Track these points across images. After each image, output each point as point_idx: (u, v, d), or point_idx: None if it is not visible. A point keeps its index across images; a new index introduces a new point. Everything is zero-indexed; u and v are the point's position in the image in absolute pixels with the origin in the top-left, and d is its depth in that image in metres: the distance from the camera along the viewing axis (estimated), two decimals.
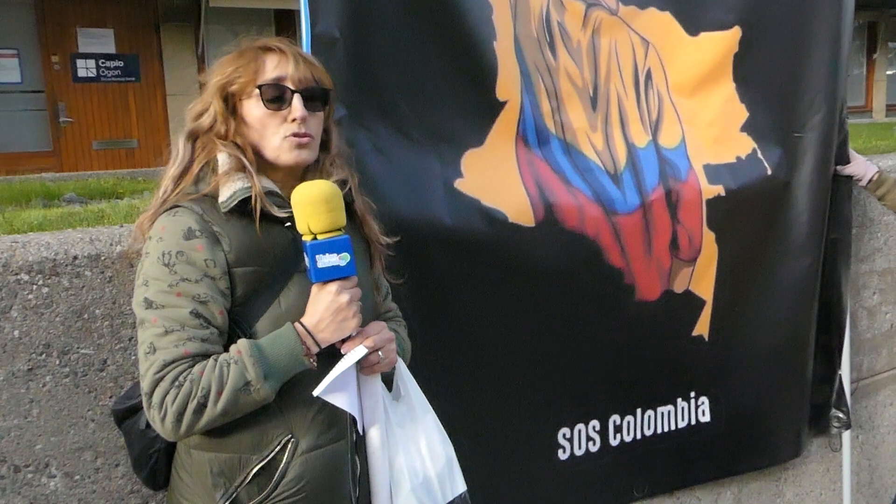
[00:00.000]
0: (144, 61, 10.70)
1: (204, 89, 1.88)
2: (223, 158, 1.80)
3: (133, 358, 2.15)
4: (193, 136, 1.86)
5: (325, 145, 1.94)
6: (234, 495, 1.77)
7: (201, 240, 1.71)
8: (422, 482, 1.96)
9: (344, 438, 1.87)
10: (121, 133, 10.66)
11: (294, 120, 1.81)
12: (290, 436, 1.79)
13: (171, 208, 1.76)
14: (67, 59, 10.30)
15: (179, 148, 1.86)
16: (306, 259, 1.74)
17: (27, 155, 10.10)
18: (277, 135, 1.82)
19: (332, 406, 1.77)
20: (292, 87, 1.82)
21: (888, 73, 18.28)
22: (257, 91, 1.81)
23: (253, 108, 1.83)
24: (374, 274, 2.04)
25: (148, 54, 10.71)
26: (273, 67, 1.83)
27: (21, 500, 2.06)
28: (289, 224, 1.78)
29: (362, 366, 1.84)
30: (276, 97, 1.82)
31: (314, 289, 1.76)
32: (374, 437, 1.92)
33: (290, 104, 1.82)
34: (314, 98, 1.85)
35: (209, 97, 1.85)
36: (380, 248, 2.01)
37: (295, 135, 1.81)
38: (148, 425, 1.84)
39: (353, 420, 1.87)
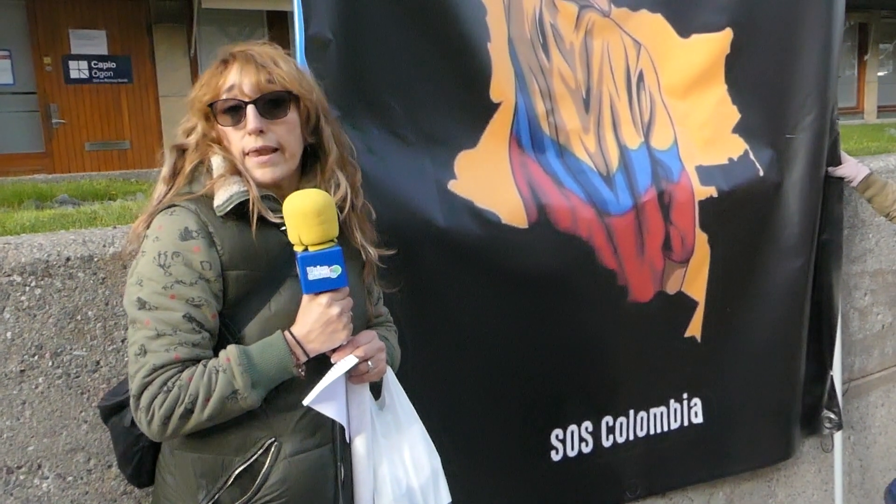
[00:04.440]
0: (137, 63, 10.69)
1: (187, 105, 1.85)
2: (217, 161, 1.78)
3: (126, 359, 2.14)
4: (180, 149, 1.83)
5: (320, 148, 1.89)
6: (216, 497, 1.77)
7: (198, 241, 1.69)
8: (405, 493, 1.95)
9: (328, 444, 1.86)
10: (113, 134, 10.64)
11: (250, 133, 1.75)
12: (273, 439, 1.78)
13: (168, 207, 1.74)
14: (59, 60, 10.29)
15: (167, 155, 1.83)
16: (298, 270, 1.73)
17: (19, 156, 10.09)
18: (240, 151, 1.77)
19: (317, 411, 1.77)
20: (244, 98, 1.75)
21: (879, 74, 18.36)
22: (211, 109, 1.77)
23: (220, 124, 1.79)
24: (366, 280, 2.02)
25: (140, 56, 10.70)
26: (226, 79, 1.77)
27: (13, 502, 2.06)
28: (284, 228, 1.76)
29: (351, 375, 1.83)
30: (230, 111, 1.76)
31: (305, 299, 1.75)
32: (359, 445, 1.91)
33: (245, 116, 1.75)
34: (274, 103, 1.77)
35: (193, 116, 1.82)
36: (371, 258, 1.97)
37: (254, 151, 1.75)
38: (133, 423, 1.83)
39: (339, 425, 1.86)
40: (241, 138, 1.77)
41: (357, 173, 1.96)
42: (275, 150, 1.78)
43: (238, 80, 1.76)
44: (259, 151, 1.76)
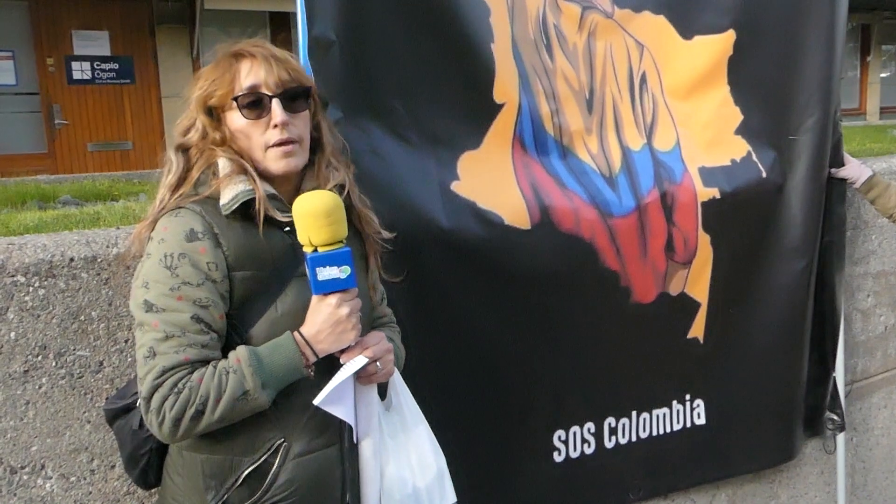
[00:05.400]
0: (139, 63, 10.68)
1: (187, 103, 1.86)
2: (223, 163, 1.79)
3: (129, 360, 2.15)
4: (184, 149, 1.84)
5: (318, 143, 1.92)
6: (225, 497, 1.77)
7: (204, 242, 1.70)
8: (410, 493, 1.96)
9: (336, 444, 1.87)
10: (115, 135, 10.64)
11: (276, 126, 1.78)
12: (282, 439, 1.79)
13: (173, 209, 1.75)
14: (62, 61, 10.28)
15: (172, 159, 1.84)
16: (307, 271, 1.73)
17: (22, 157, 10.08)
18: (262, 144, 1.79)
19: (325, 411, 1.77)
20: (269, 93, 1.79)
21: (882, 75, 18.33)
22: (235, 102, 1.79)
23: (236, 119, 1.81)
24: (371, 279, 2.03)
25: (143, 56, 10.69)
26: (247, 74, 1.80)
27: (17, 502, 2.06)
28: (288, 229, 1.78)
29: (359, 376, 1.84)
30: (254, 106, 1.79)
31: (314, 299, 1.75)
32: (366, 446, 1.91)
33: (269, 110, 1.79)
34: (294, 98, 1.82)
35: (193, 112, 1.84)
36: (376, 245, 2.00)
37: (279, 143, 1.78)
38: (141, 425, 1.84)
39: (346, 425, 1.86)
40: (262, 132, 1.79)
41: (351, 166, 1.99)
42: (296, 141, 1.81)
43: (262, 76, 1.79)
44: (283, 142, 1.79)
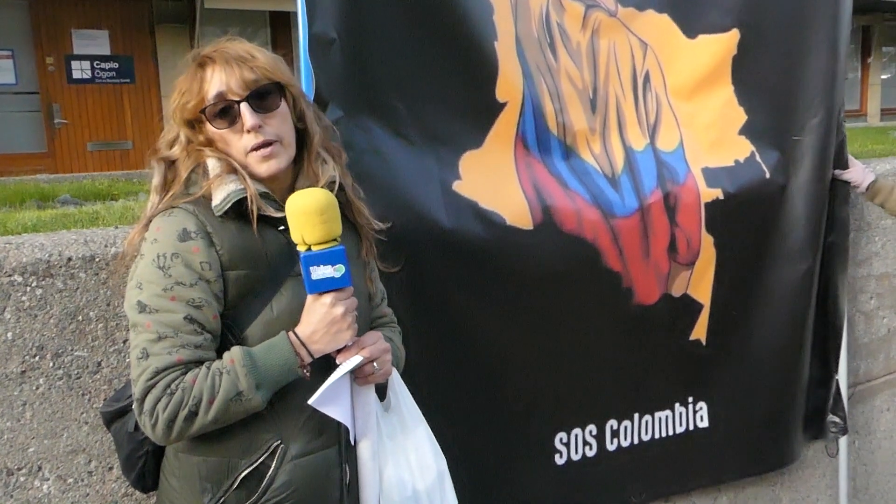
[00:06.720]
0: (139, 63, 10.68)
1: (167, 116, 1.84)
2: (213, 163, 1.77)
3: (127, 360, 2.13)
4: (168, 161, 1.82)
5: (304, 133, 1.88)
6: (222, 500, 1.76)
7: (197, 241, 1.68)
8: (410, 495, 1.95)
9: (334, 445, 1.85)
10: (115, 135, 10.63)
11: (249, 131, 1.75)
12: (279, 441, 1.77)
13: (166, 209, 1.73)
14: (62, 60, 10.28)
15: (154, 167, 1.82)
16: (301, 270, 1.72)
17: (22, 156, 10.07)
18: (242, 150, 1.77)
19: (323, 412, 1.76)
20: (235, 98, 1.75)
21: (883, 77, 18.34)
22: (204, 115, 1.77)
23: (211, 128, 1.79)
24: (369, 275, 2.01)
25: (143, 56, 10.68)
26: (210, 82, 1.76)
27: None
28: (282, 228, 1.76)
29: (357, 376, 1.83)
30: (223, 114, 1.76)
31: (309, 299, 1.74)
32: (364, 448, 1.90)
33: (240, 115, 1.75)
34: (265, 97, 1.77)
35: (175, 126, 1.82)
36: (371, 235, 1.98)
37: (256, 147, 1.76)
38: (136, 427, 1.82)
39: (344, 426, 1.85)
40: (239, 139, 1.77)
41: (342, 154, 1.96)
42: (274, 141, 1.78)
43: (224, 81, 1.75)
44: (260, 146, 1.76)
